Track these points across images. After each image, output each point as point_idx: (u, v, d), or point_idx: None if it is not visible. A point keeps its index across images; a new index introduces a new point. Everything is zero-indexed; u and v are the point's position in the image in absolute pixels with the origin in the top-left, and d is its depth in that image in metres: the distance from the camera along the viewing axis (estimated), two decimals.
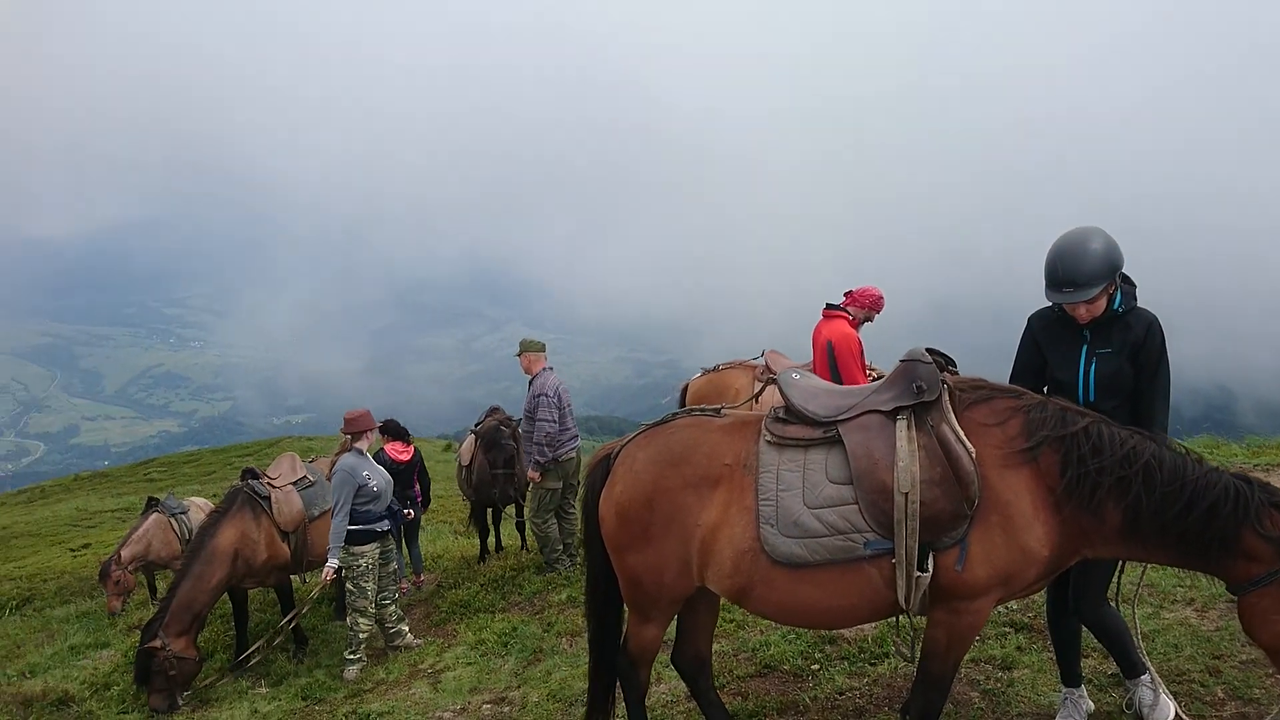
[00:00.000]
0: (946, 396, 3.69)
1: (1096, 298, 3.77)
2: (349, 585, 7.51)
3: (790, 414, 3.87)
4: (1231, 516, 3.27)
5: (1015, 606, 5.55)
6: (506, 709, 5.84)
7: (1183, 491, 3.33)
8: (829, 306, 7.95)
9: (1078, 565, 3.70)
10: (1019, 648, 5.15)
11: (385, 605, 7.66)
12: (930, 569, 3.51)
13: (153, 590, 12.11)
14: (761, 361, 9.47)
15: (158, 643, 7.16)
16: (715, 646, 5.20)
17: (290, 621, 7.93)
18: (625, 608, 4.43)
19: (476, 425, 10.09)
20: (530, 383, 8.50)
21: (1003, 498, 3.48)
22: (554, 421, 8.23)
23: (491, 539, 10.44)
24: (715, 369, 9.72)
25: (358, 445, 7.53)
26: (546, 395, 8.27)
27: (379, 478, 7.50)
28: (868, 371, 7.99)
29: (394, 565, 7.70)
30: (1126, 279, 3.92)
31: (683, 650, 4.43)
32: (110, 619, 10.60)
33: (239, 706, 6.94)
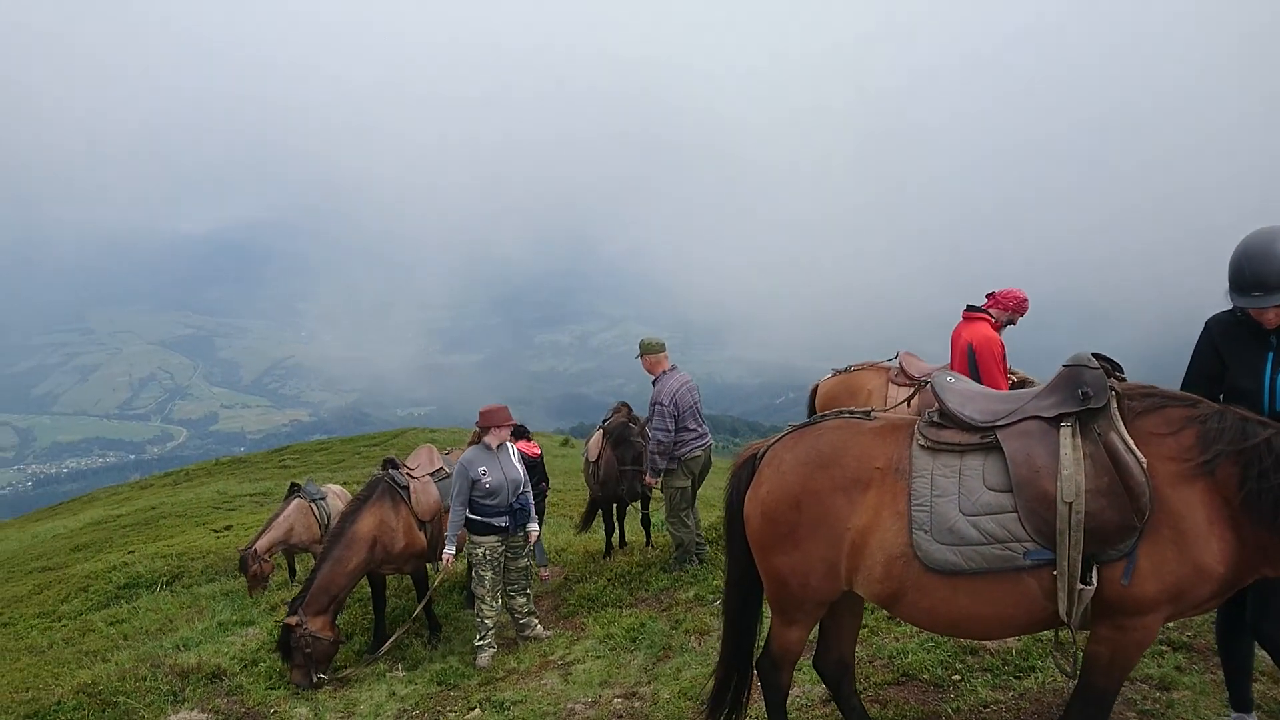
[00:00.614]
0: (1115, 404, 3.54)
1: None
2: (471, 572, 7.72)
3: (945, 418, 3.78)
4: None
5: (1172, 625, 5.29)
6: (638, 704, 5.87)
7: None
8: (969, 308, 7.73)
9: (1257, 582, 3.50)
10: (1178, 667, 4.91)
11: (514, 597, 7.81)
12: (1094, 582, 3.38)
13: (292, 572, 12.68)
14: (895, 363, 9.27)
15: (294, 620, 7.50)
16: None
17: (420, 609, 8.17)
18: (764, 608, 4.42)
19: (605, 421, 10.18)
20: (653, 384, 8.49)
21: (1175, 511, 3.32)
22: (668, 431, 8.18)
23: (615, 535, 10.53)
24: (847, 370, 9.55)
25: (486, 439, 7.67)
26: (661, 404, 8.19)
27: (497, 475, 7.55)
28: (1009, 376, 7.75)
29: (524, 561, 7.82)
30: None
31: (826, 654, 4.38)
32: (253, 599, 11.18)
33: (377, 688, 7.19)
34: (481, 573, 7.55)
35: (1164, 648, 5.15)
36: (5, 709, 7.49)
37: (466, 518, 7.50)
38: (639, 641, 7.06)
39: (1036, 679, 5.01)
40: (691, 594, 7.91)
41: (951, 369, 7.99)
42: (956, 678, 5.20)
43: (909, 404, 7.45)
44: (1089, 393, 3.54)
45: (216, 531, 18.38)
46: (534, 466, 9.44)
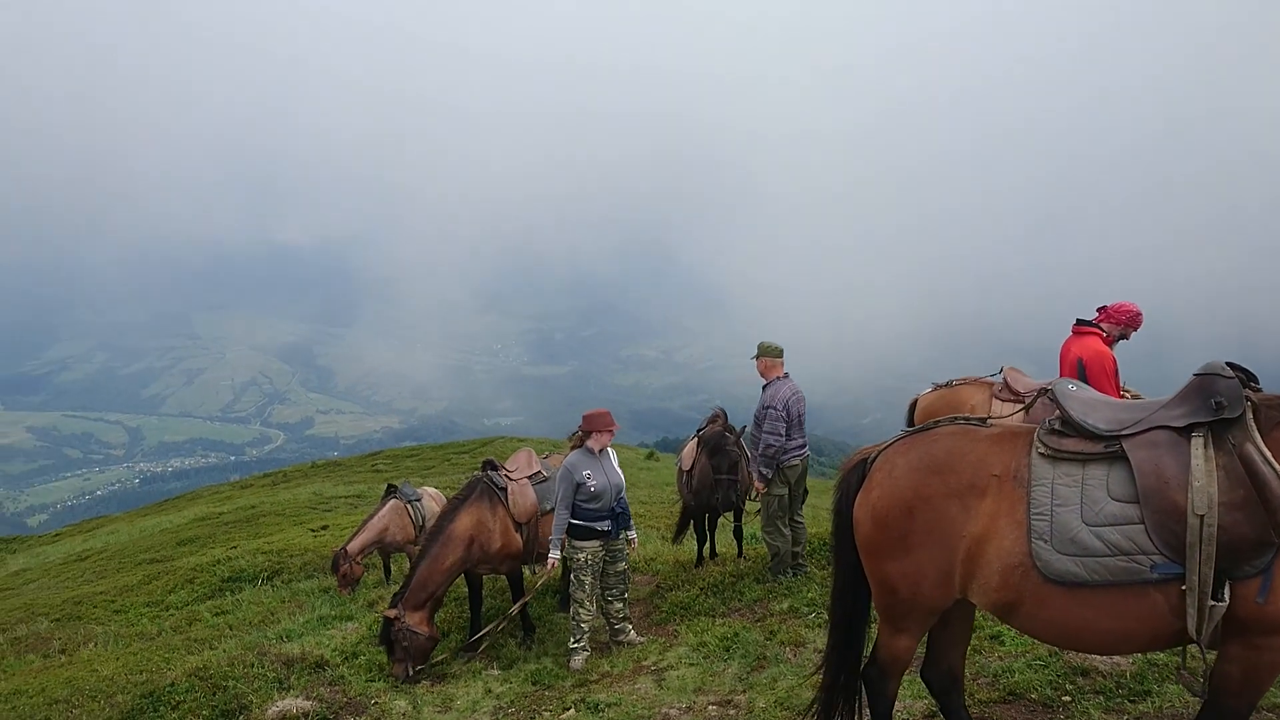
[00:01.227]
0: (1251, 415, 3.40)
1: None
2: (571, 576, 7.77)
3: (1067, 426, 3.68)
4: None
5: None
6: (733, 712, 5.84)
7: None
8: (1079, 322, 7.52)
9: None
10: None
11: (611, 602, 7.84)
12: (1226, 599, 3.25)
13: (387, 571, 12.95)
14: (999, 378, 9.05)
15: (394, 613, 7.69)
16: None
17: (518, 609, 8.27)
18: (870, 615, 4.36)
19: (700, 430, 10.17)
20: (764, 388, 8.50)
21: None
22: (779, 435, 8.17)
23: (707, 546, 10.50)
24: (948, 384, 9.36)
25: (589, 444, 7.73)
26: (775, 408, 8.22)
27: (601, 478, 7.62)
28: (1124, 393, 7.50)
29: (623, 565, 7.85)
30: None
31: (934, 664, 4.29)
32: (352, 594, 11.47)
33: (474, 685, 7.30)
34: (581, 577, 7.60)
35: None
36: (122, 688, 7.83)
37: (569, 523, 7.56)
38: (733, 651, 7.02)
39: (1152, 703, 4.83)
40: (786, 606, 7.83)
41: None
42: (1067, 699, 5.04)
43: (1027, 414, 7.29)
44: (1223, 402, 3.41)
45: (314, 531, 18.89)
46: None
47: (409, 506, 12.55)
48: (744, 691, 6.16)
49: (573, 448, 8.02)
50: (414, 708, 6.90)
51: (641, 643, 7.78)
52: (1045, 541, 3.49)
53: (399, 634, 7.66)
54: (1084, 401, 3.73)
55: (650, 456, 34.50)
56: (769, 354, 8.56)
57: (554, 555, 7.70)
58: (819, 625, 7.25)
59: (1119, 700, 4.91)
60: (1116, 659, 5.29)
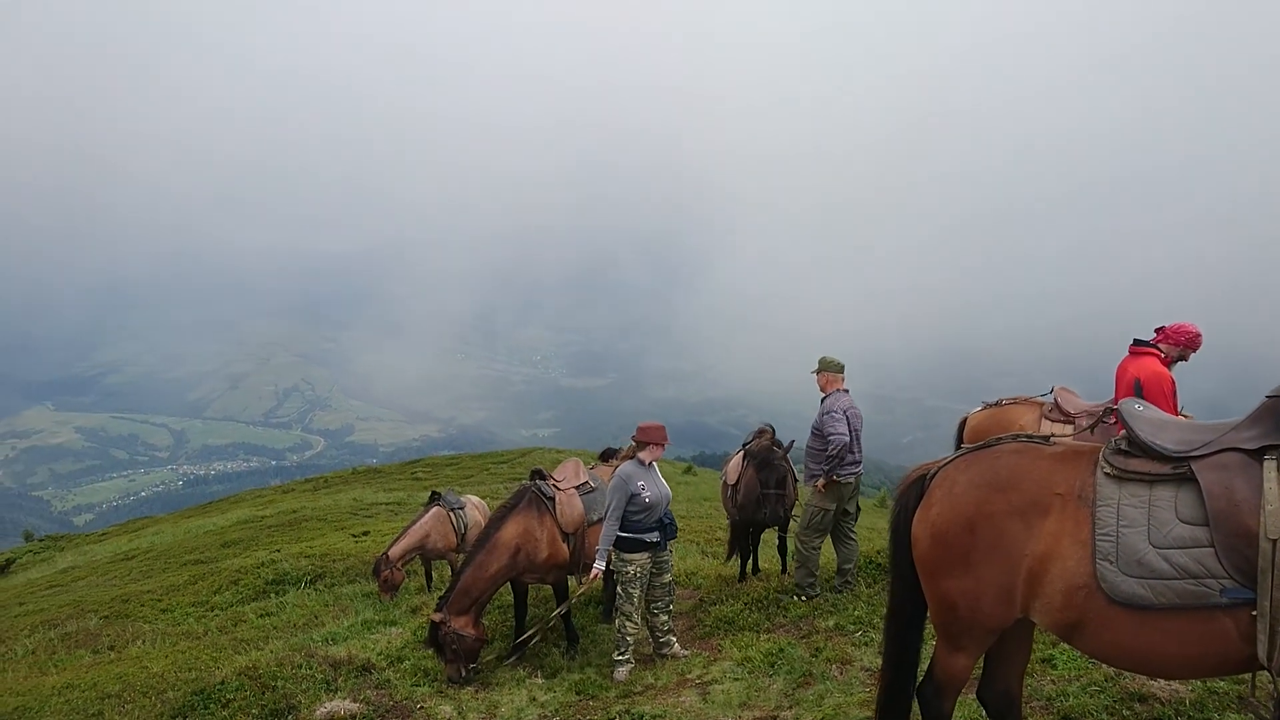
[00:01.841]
0: None
1: None
2: (618, 589, 7.77)
3: (1134, 446, 3.63)
4: None
5: None
6: None
7: None
8: (1137, 343, 7.41)
9: None
10: None
11: (657, 615, 7.83)
12: None
13: (428, 578, 13.03)
14: (1050, 398, 8.95)
15: (439, 616, 7.75)
16: None
17: (559, 614, 8.28)
18: (924, 633, 4.32)
19: (746, 444, 10.14)
20: (822, 401, 8.48)
21: None
22: (844, 434, 8.15)
23: (750, 561, 10.45)
24: (998, 404, 9.27)
25: (640, 455, 7.74)
26: (836, 413, 8.22)
27: (654, 490, 7.64)
28: (1180, 416, 7.38)
29: (669, 577, 7.84)
30: None
31: (991, 685, 4.24)
32: (393, 599, 11.56)
33: (518, 693, 7.32)
34: (630, 589, 7.59)
35: None
36: (172, 685, 7.95)
37: (618, 536, 7.57)
38: (778, 666, 6.98)
39: None
40: (832, 623, 7.78)
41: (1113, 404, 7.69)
42: None
43: (1091, 433, 7.22)
44: None
45: (355, 536, 19.08)
46: None
47: (451, 514, 12.61)
48: (790, 708, 6.12)
49: (623, 459, 8.03)
50: (459, 713, 6.95)
51: (686, 656, 7.76)
52: (1111, 562, 3.44)
53: (446, 637, 7.73)
54: (1152, 422, 3.68)
55: (688, 470, 34.44)
56: (830, 368, 8.55)
57: (599, 565, 7.71)
58: (866, 644, 7.19)
59: None
60: (1175, 685, 5.19)
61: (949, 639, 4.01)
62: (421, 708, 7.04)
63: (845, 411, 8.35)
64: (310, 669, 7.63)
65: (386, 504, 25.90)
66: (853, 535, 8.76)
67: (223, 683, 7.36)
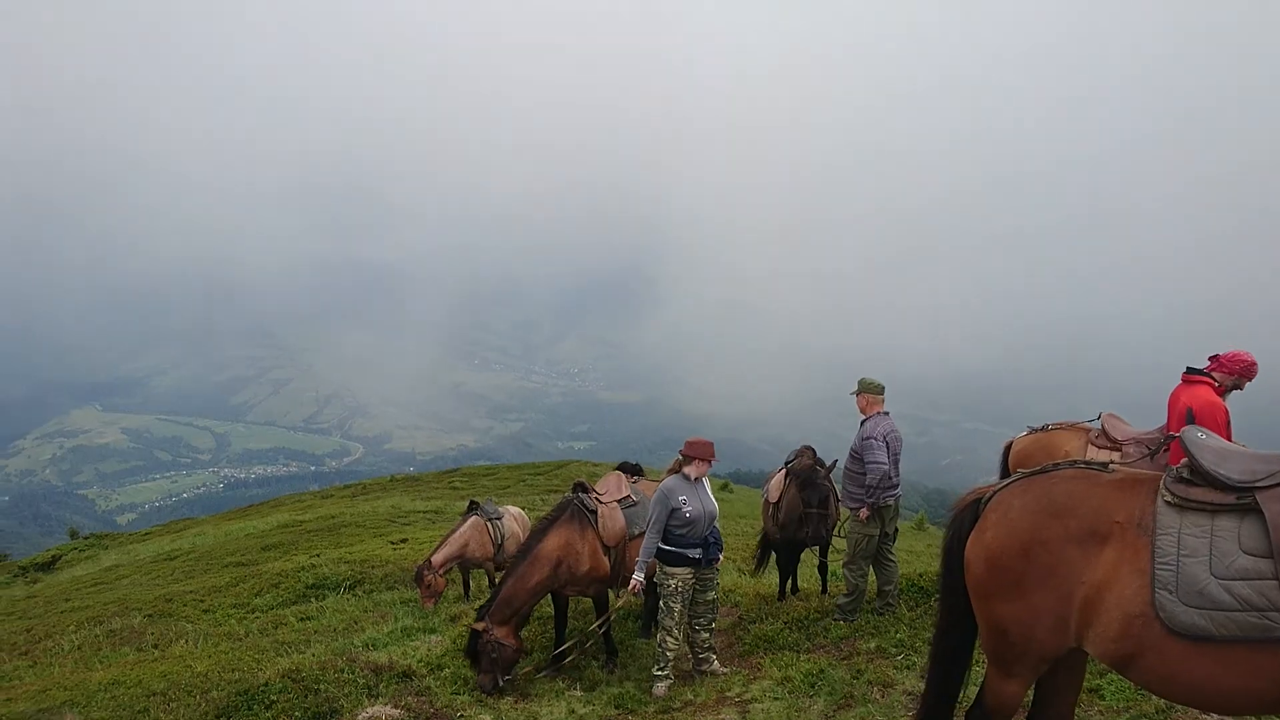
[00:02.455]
0: None
1: None
2: (660, 603, 7.77)
3: (1196, 475, 3.58)
4: None
5: None
6: None
7: None
8: (1190, 371, 7.30)
9: None
10: None
11: (698, 631, 7.81)
12: None
13: (466, 587, 13.09)
14: (1097, 424, 8.82)
15: (481, 625, 7.81)
16: None
17: (599, 627, 8.29)
18: (972, 658, 4.27)
19: (788, 463, 10.10)
20: (862, 424, 8.44)
21: None
22: (884, 462, 8.11)
23: (790, 580, 10.38)
24: (1044, 428, 9.16)
25: (686, 470, 7.74)
26: (875, 439, 8.18)
27: (696, 505, 7.62)
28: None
29: (712, 595, 7.82)
30: None
31: (1043, 714, 4.18)
32: (427, 610, 11.63)
33: (557, 704, 7.34)
34: (671, 604, 7.58)
35: None
36: (216, 685, 8.07)
37: (660, 548, 7.58)
38: (818, 687, 6.94)
39: None
40: (873, 645, 7.72)
41: (1165, 433, 7.58)
42: None
43: (1152, 459, 7.11)
44: None
45: (393, 543, 19.20)
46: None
47: (490, 524, 12.68)
48: None
49: (669, 473, 8.04)
50: None
51: (725, 674, 7.73)
52: (1170, 592, 3.40)
53: (486, 646, 7.78)
54: (1216, 451, 3.63)
55: (725, 488, 34.29)
56: (870, 390, 8.50)
57: (638, 578, 7.71)
58: (908, 667, 7.13)
59: None
60: None
61: (1000, 665, 3.97)
62: (462, 716, 7.09)
63: (885, 437, 8.29)
64: (352, 673, 7.71)
65: (424, 512, 26.05)
66: (892, 557, 8.70)
67: (266, 684, 7.46)
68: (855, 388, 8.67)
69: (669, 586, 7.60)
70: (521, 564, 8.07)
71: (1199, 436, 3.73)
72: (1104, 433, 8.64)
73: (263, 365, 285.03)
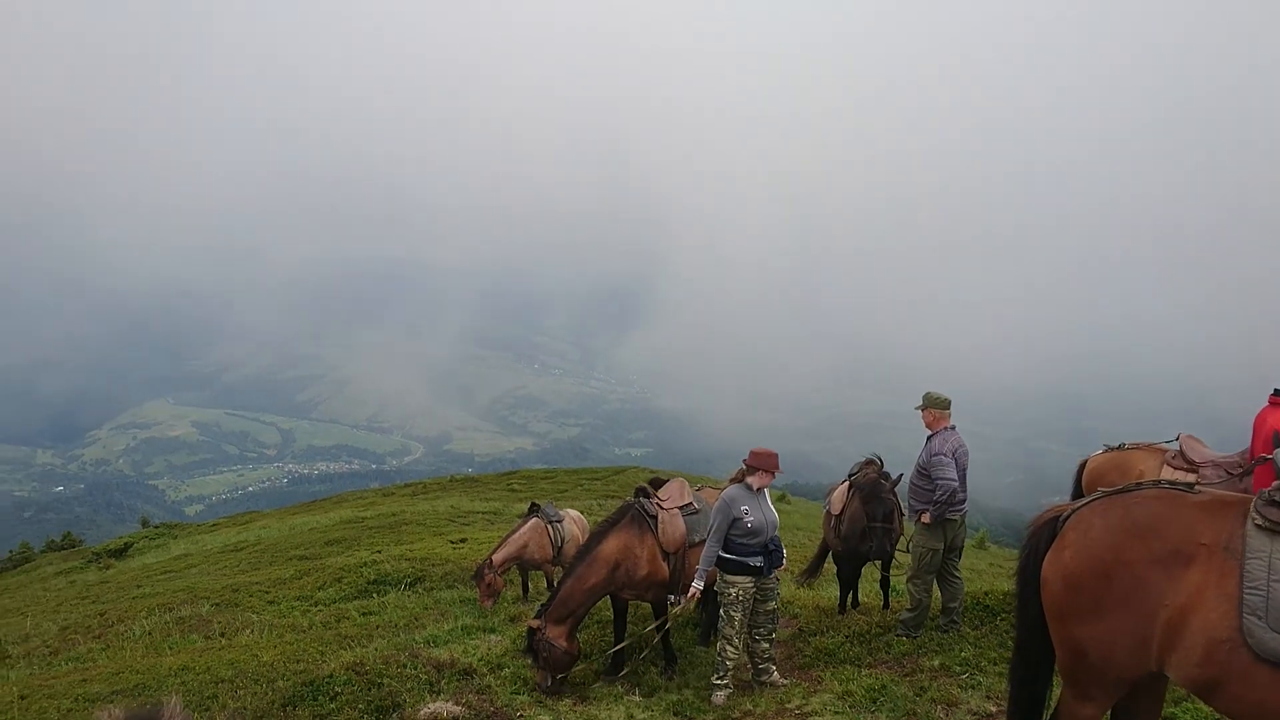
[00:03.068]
0: None
1: None
2: (720, 612, 7.74)
3: None
4: None
5: None
6: None
7: None
8: (1277, 393, 7.07)
9: None
10: None
11: (758, 641, 7.76)
12: None
13: (525, 589, 13.19)
14: (1175, 446, 8.59)
15: (537, 623, 7.89)
16: None
17: (655, 631, 8.28)
18: (1052, 679, 4.18)
19: (852, 475, 9.99)
20: (929, 439, 8.32)
21: None
22: (953, 479, 7.99)
23: (851, 594, 10.27)
24: (1120, 447, 8.94)
25: (749, 480, 7.71)
26: (944, 455, 8.06)
27: (758, 515, 7.58)
28: None
29: (773, 605, 7.76)
30: None
31: None
32: (485, 610, 11.73)
33: (615, 709, 7.35)
34: (731, 613, 7.55)
35: None
36: (282, 675, 8.23)
37: (720, 556, 7.55)
38: (880, 703, 6.85)
39: None
40: (937, 662, 7.59)
41: (1248, 455, 7.35)
42: None
43: (1240, 481, 6.91)
44: None
45: (453, 542, 19.42)
46: None
47: (549, 527, 12.76)
48: None
49: (731, 482, 8.01)
50: None
51: (785, 685, 7.67)
52: (1259, 618, 3.29)
53: (539, 644, 7.84)
54: None
55: (782, 499, 34.07)
56: (936, 405, 8.38)
57: (697, 585, 7.69)
58: (973, 686, 7.01)
59: None
60: None
61: (1077, 687, 3.88)
62: (521, 716, 7.14)
63: (954, 453, 8.17)
64: (414, 669, 7.80)
65: (483, 513, 26.31)
66: (957, 573, 8.56)
67: (331, 676, 7.59)
68: (920, 402, 8.55)
69: (729, 595, 7.57)
70: (580, 565, 8.10)
71: None
72: (1181, 454, 8.42)
73: (328, 364, 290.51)
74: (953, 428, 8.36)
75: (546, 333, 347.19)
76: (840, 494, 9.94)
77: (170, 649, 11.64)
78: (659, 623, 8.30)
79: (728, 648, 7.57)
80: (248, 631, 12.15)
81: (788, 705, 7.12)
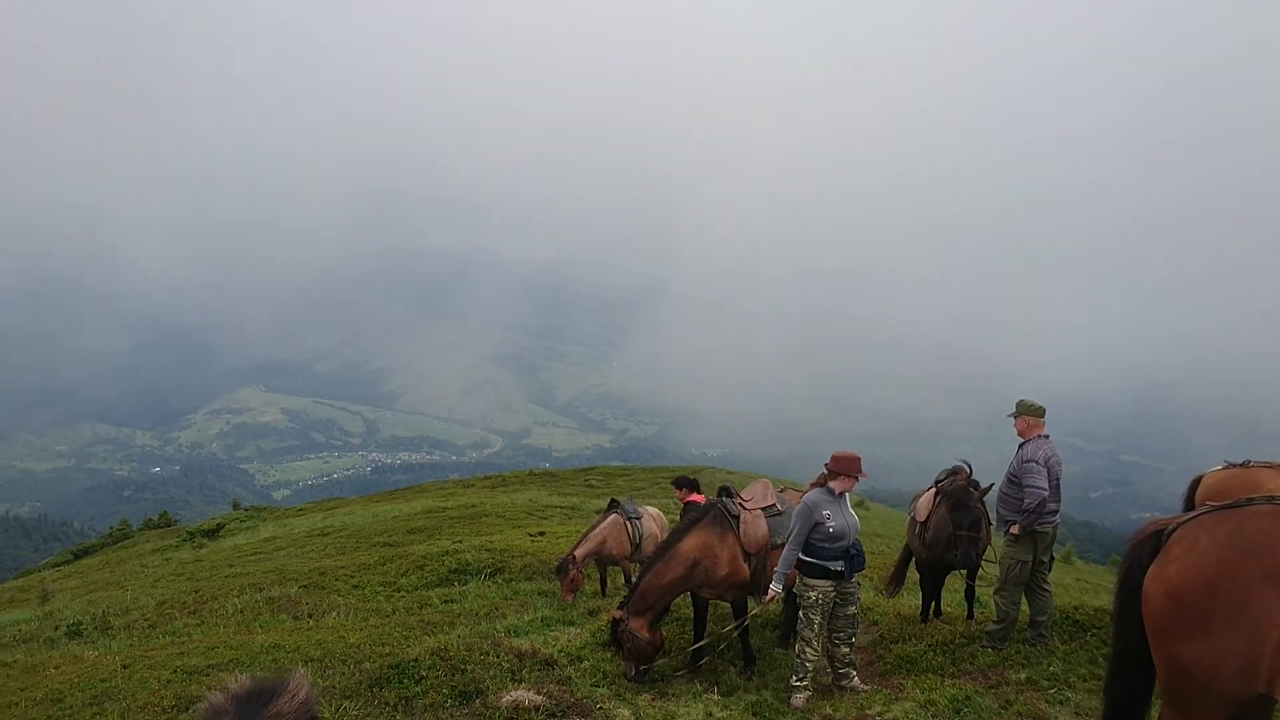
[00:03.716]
0: None
1: None
2: (800, 614, 7.69)
3: None
4: None
5: None
6: None
7: None
8: None
9: None
10: None
11: (839, 646, 7.69)
12: None
13: (603, 584, 13.28)
14: None
15: (619, 614, 8.00)
16: None
17: (733, 631, 8.27)
18: (1146, 696, 4.05)
19: (939, 481, 9.80)
20: (1020, 447, 8.15)
21: None
22: (1043, 489, 7.80)
23: (934, 604, 10.08)
24: (1244, 464, 8.59)
25: (831, 484, 7.63)
26: (1036, 463, 7.88)
27: (840, 521, 7.50)
28: None
29: (853, 609, 7.68)
30: None
31: None
32: (566, 603, 11.85)
33: (695, 706, 7.36)
34: (811, 615, 7.50)
35: None
36: (368, 657, 8.47)
37: (801, 559, 7.51)
38: (964, 714, 6.75)
39: None
40: (1024, 676, 7.43)
41: None
42: None
43: None
44: None
45: (532, 536, 19.66)
46: None
47: (628, 523, 12.81)
48: None
49: (813, 486, 7.96)
50: (637, 718, 7.06)
51: (865, 691, 7.58)
52: None
53: (623, 635, 7.94)
54: None
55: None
56: (1030, 412, 8.19)
57: (775, 588, 7.65)
58: (1061, 702, 6.85)
59: None
60: None
61: (1178, 707, 3.76)
62: (601, 708, 7.19)
63: (1046, 461, 7.97)
64: (497, 657, 7.93)
65: (561, 507, 26.55)
66: (1047, 586, 8.35)
67: (416, 660, 7.76)
68: (1013, 410, 8.37)
69: (809, 598, 7.52)
70: (659, 561, 8.15)
71: None
72: None
73: (411, 356, 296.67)
74: (1046, 436, 8.16)
75: (625, 332, 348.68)
76: (926, 500, 9.76)
77: (261, 627, 12.04)
78: (737, 623, 8.29)
79: (807, 650, 7.51)
80: (334, 614, 12.50)
81: (868, 711, 7.04)
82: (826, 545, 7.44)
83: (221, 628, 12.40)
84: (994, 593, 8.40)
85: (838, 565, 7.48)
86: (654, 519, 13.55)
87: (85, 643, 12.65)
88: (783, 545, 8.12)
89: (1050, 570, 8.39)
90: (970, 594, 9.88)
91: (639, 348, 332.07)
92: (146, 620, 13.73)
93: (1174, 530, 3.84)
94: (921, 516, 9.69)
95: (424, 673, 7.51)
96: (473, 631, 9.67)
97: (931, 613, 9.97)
